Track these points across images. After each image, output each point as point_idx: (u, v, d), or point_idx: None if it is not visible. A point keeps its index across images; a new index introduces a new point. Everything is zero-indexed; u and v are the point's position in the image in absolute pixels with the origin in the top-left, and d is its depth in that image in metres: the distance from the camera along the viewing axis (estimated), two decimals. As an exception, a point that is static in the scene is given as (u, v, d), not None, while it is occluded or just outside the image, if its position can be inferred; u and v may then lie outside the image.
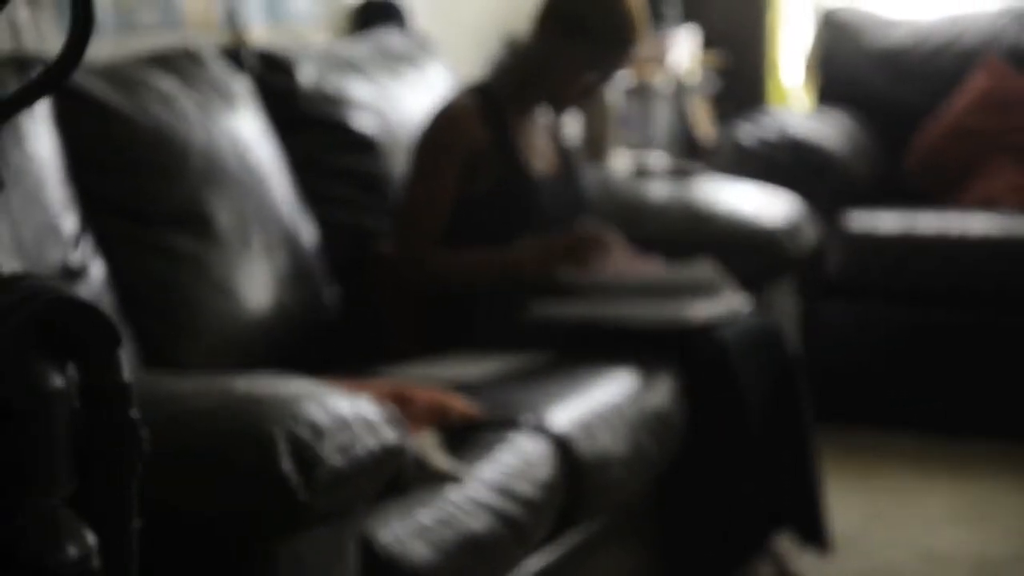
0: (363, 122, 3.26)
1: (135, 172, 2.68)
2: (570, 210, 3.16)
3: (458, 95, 3.13)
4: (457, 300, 3.06)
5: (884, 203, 4.43)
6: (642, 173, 3.70)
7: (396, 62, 3.51)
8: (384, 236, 3.19)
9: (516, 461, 2.44)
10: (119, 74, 2.74)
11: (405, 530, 2.14)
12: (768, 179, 3.96)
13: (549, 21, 3.07)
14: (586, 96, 3.16)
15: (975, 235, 4.15)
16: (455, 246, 3.06)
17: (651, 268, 3.07)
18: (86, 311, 1.16)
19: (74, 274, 2.45)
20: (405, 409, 2.35)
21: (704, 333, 2.95)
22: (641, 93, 4.66)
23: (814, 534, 3.10)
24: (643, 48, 3.14)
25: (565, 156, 3.24)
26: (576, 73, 3.07)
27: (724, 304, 3.03)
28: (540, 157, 3.15)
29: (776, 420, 3.02)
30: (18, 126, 2.41)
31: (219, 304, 2.71)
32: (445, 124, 3.05)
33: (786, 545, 3.12)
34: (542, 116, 3.19)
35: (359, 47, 3.50)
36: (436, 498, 2.25)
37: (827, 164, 4.34)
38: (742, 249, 3.39)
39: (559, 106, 3.16)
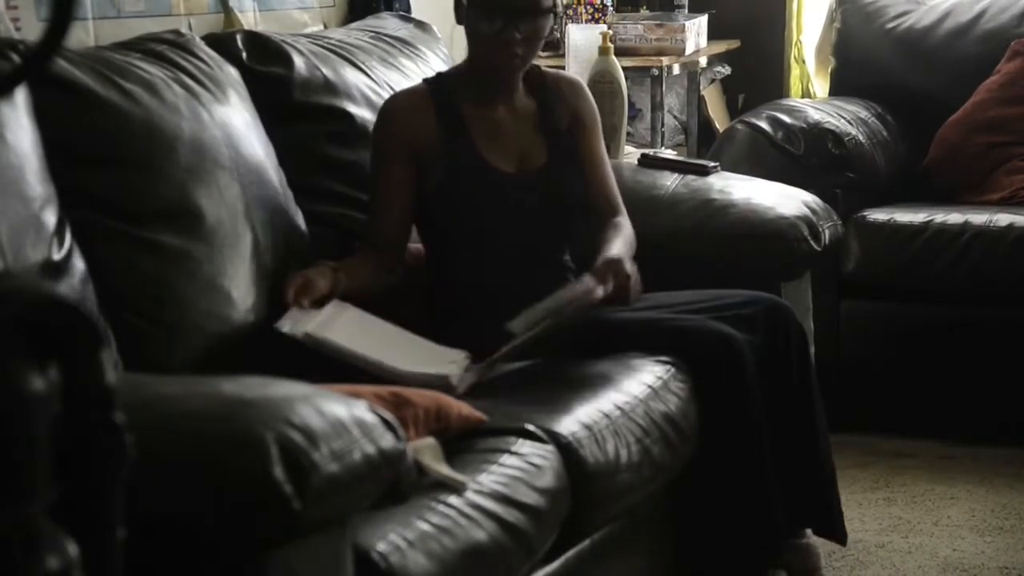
0: (359, 112, 3.24)
1: (120, 164, 2.66)
2: (546, 206, 3.08)
3: (410, 87, 3.15)
4: (467, 301, 3.03)
5: (904, 197, 4.38)
6: (654, 165, 3.63)
7: (394, 49, 3.53)
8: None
9: (519, 467, 2.41)
10: (103, 61, 2.73)
11: (403, 539, 2.10)
12: (784, 171, 3.91)
13: None
14: (508, 53, 2.99)
15: (998, 230, 4.05)
16: (425, 242, 3.08)
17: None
18: (68, 310, 1.16)
19: (56, 271, 2.41)
20: (403, 412, 2.32)
21: (716, 331, 2.89)
22: (655, 82, 4.66)
23: (829, 530, 3.10)
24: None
25: (554, 146, 3.14)
26: (484, 32, 2.98)
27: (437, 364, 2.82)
28: (507, 149, 3.09)
29: (790, 421, 2.99)
30: (-5, 115, 2.39)
31: (208, 303, 2.69)
32: (385, 116, 3.08)
33: (802, 553, 3.09)
34: (523, 105, 3.12)
35: (355, 34, 3.52)
36: (435, 506, 2.21)
37: (844, 156, 4.28)
38: (757, 245, 3.36)
39: (494, 74, 3.06)
